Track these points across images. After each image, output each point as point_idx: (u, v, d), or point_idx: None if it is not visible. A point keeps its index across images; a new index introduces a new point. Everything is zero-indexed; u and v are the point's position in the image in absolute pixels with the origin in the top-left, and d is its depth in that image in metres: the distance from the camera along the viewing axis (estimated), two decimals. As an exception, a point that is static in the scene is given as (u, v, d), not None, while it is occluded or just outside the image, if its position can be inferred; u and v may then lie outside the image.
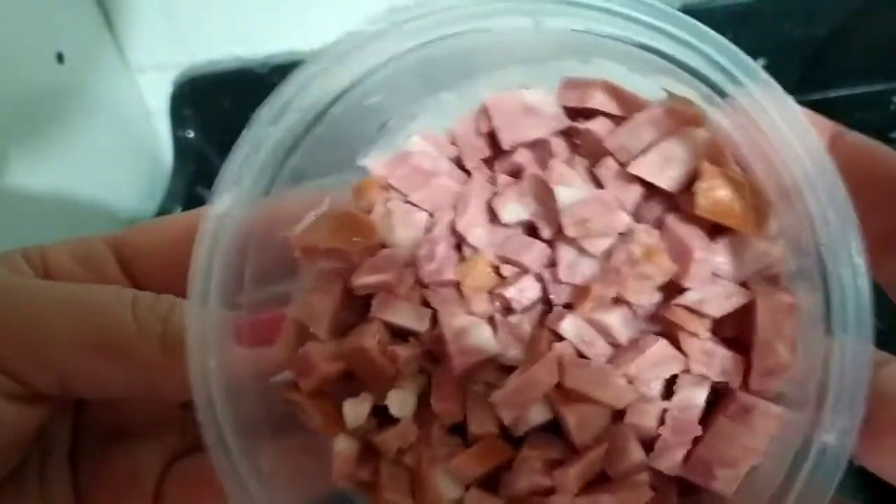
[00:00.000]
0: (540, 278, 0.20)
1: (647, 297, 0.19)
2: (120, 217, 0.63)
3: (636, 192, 0.20)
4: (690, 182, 0.19)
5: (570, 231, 0.19)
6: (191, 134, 0.69)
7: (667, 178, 0.19)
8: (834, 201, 0.17)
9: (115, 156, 0.64)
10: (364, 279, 0.20)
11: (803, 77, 0.63)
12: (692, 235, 0.19)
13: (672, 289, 0.19)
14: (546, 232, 0.20)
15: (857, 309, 0.16)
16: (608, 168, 0.20)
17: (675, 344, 0.19)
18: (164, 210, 0.65)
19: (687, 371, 0.19)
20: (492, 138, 0.21)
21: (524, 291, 0.20)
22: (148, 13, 0.65)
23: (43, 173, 0.54)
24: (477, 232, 0.20)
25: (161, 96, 0.68)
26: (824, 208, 0.17)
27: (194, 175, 0.68)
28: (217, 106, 0.67)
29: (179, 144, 0.69)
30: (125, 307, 0.23)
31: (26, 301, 0.23)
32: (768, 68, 0.63)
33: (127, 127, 0.67)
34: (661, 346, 0.19)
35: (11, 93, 0.53)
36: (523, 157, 0.21)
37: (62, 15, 0.60)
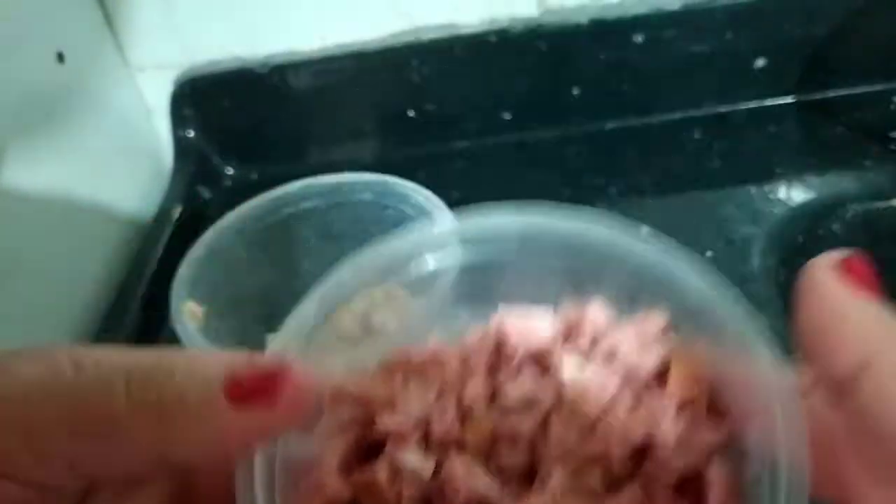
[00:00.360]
0: (531, 444, 0.24)
1: (623, 455, 0.24)
2: (120, 216, 0.63)
3: (619, 375, 0.25)
4: (663, 369, 0.25)
5: (570, 398, 0.24)
6: (191, 133, 0.69)
7: (645, 363, 0.25)
8: (781, 402, 0.21)
9: (115, 155, 0.64)
10: (384, 423, 0.24)
11: (803, 77, 0.63)
12: (662, 408, 0.24)
13: (644, 450, 0.24)
14: (545, 404, 0.25)
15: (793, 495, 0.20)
16: (598, 359, 0.25)
17: (647, 497, 0.23)
18: (163, 210, 0.65)
19: None
20: (498, 349, 0.26)
21: (516, 455, 0.24)
22: (148, 13, 0.65)
23: (43, 172, 0.54)
24: (480, 405, 0.25)
25: (161, 96, 0.68)
26: (771, 404, 0.21)
27: (194, 174, 0.68)
28: (217, 105, 0.68)
29: (179, 144, 0.69)
30: (117, 382, 0.23)
31: (20, 394, 0.23)
32: (768, 68, 0.64)
33: (127, 126, 0.67)
34: (634, 498, 0.23)
35: (12, 92, 0.53)
36: (524, 360, 0.26)
37: (63, 14, 0.60)
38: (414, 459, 0.23)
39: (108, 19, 0.65)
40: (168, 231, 0.62)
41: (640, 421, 0.24)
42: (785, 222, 0.55)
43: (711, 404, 0.24)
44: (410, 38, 0.65)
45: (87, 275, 0.58)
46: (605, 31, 0.63)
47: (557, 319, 0.27)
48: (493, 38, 0.64)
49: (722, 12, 0.61)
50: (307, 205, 0.50)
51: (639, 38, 0.62)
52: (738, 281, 0.57)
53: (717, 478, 0.23)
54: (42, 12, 0.57)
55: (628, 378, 0.25)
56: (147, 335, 0.56)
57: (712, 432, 0.23)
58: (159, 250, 0.61)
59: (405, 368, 0.26)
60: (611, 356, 0.25)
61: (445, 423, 0.24)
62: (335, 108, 0.67)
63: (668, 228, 0.56)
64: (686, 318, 0.25)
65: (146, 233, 0.63)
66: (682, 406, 0.24)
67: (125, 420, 0.23)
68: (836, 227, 0.54)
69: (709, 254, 0.53)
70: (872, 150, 0.58)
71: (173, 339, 0.61)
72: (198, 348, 0.24)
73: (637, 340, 0.25)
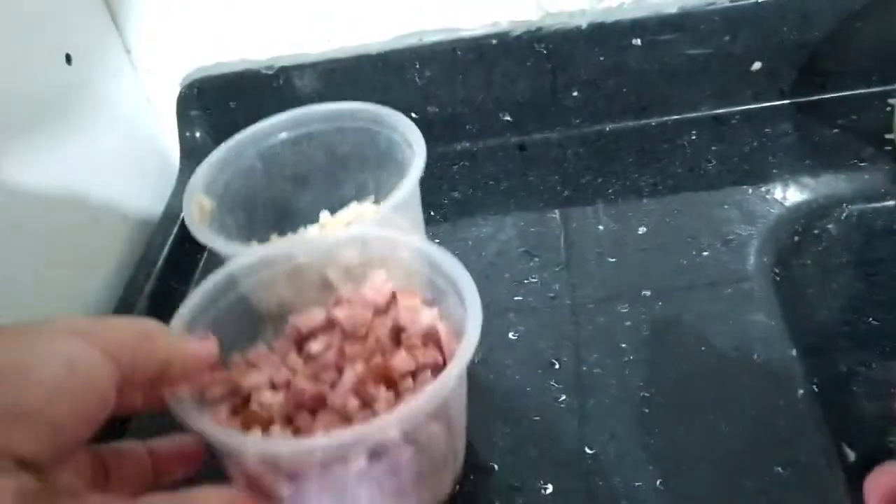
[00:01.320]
0: (338, 367, 0.40)
1: (388, 337, 0.41)
2: (128, 217, 0.64)
3: (370, 307, 0.42)
4: (392, 297, 0.43)
5: (349, 332, 0.41)
6: (198, 134, 0.69)
7: (381, 296, 0.42)
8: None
9: (122, 156, 0.65)
10: (248, 382, 0.39)
11: (799, 80, 0.64)
12: (404, 309, 0.42)
13: (399, 332, 0.41)
14: (336, 343, 0.41)
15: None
16: (357, 305, 0.43)
17: (409, 353, 0.40)
18: (171, 210, 0.66)
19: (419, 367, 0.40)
20: (297, 337, 0.43)
21: (329, 374, 0.40)
22: (155, 15, 0.66)
23: (50, 173, 0.55)
24: (300, 365, 0.41)
25: (168, 97, 0.69)
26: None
27: (200, 175, 0.69)
28: (224, 107, 0.68)
29: (186, 145, 0.70)
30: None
31: (42, 397, 0.27)
32: (765, 70, 0.65)
33: (134, 127, 0.68)
34: (403, 357, 0.39)
35: (20, 93, 0.53)
36: (317, 330, 0.43)
37: (71, 16, 0.61)
38: (269, 395, 0.39)
39: (116, 21, 0.66)
40: (175, 230, 0.63)
41: (391, 320, 0.41)
42: (780, 222, 0.55)
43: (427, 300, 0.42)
44: (413, 41, 0.65)
45: (95, 273, 0.59)
46: (603, 34, 0.63)
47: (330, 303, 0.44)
48: (493, 42, 0.64)
49: (719, 16, 0.62)
50: (314, 126, 0.55)
51: (637, 42, 0.63)
52: (734, 280, 0.58)
53: (442, 329, 0.40)
54: (49, 14, 0.57)
55: (376, 308, 0.42)
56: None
57: (430, 311, 0.41)
58: (166, 249, 0.62)
59: (245, 363, 0.41)
60: (362, 299, 0.42)
61: (281, 376, 0.40)
62: (338, 109, 0.68)
63: (666, 229, 0.57)
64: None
65: (153, 232, 0.64)
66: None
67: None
68: (830, 227, 0.55)
69: (705, 253, 0.54)
70: (867, 151, 0.59)
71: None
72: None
73: (373, 289, 0.42)
